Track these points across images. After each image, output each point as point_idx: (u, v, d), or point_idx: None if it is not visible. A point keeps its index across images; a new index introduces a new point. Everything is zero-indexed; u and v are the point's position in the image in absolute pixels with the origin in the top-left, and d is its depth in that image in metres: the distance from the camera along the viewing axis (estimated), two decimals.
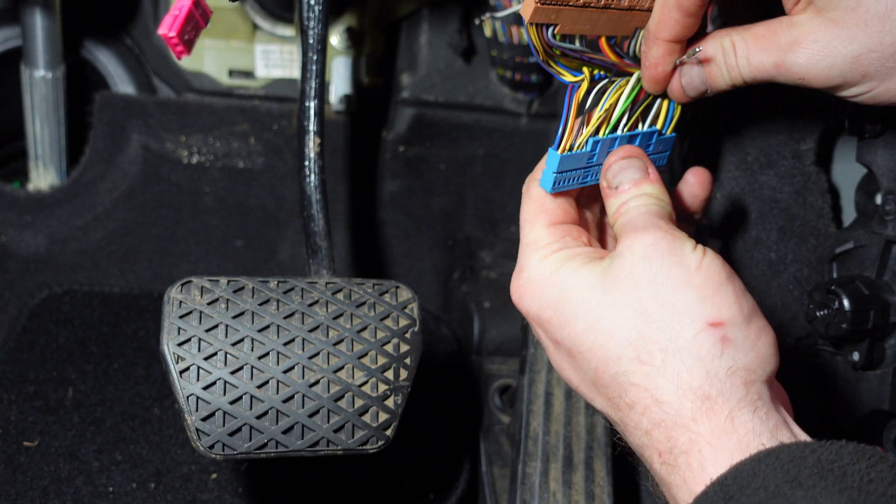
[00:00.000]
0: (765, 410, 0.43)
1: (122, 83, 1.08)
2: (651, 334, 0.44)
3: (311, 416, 0.56)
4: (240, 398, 0.55)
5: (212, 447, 0.54)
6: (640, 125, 0.57)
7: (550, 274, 0.50)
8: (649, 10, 0.53)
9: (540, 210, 0.54)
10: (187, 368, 0.54)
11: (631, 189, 0.51)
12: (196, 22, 0.60)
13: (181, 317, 0.56)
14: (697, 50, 0.52)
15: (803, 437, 0.43)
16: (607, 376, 0.46)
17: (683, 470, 0.42)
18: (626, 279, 0.46)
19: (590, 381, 0.48)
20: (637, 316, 0.45)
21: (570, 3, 0.50)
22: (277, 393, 0.56)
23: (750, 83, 0.51)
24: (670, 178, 0.75)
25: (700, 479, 0.42)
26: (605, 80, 0.55)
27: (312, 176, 0.67)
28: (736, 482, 0.39)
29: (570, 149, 0.54)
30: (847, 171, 0.78)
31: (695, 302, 0.45)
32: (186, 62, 1.05)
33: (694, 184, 0.59)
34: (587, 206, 0.59)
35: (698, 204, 0.60)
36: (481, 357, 0.97)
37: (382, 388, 0.59)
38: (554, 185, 0.54)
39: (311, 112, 0.68)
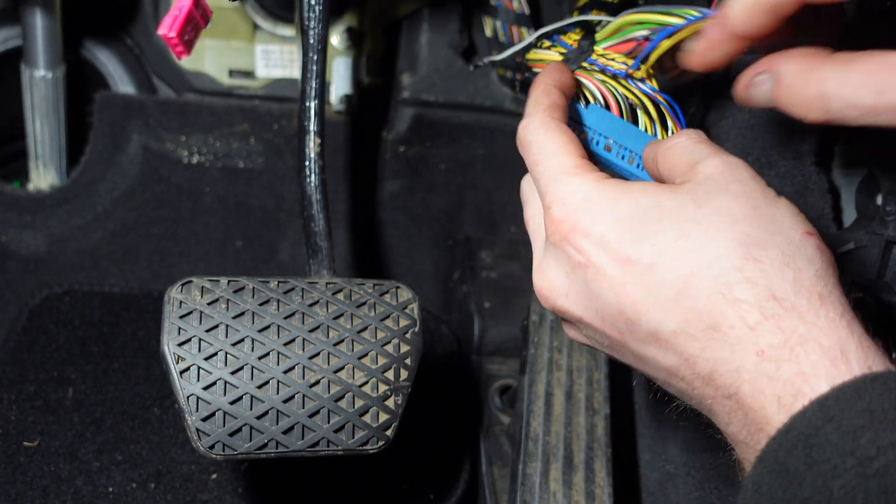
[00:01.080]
0: (854, 315, 0.43)
1: (122, 83, 1.08)
2: (760, 236, 0.44)
3: (311, 416, 0.56)
4: (240, 398, 0.55)
5: (212, 447, 0.54)
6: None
7: (619, 194, 0.47)
8: None
9: (569, 140, 0.51)
10: (188, 368, 0.54)
11: (682, 133, 0.51)
12: (196, 22, 0.60)
13: (181, 317, 0.56)
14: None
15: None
16: (707, 278, 0.43)
17: (801, 360, 0.41)
18: (721, 194, 0.45)
19: (671, 295, 0.44)
20: (741, 222, 0.44)
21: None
22: (278, 393, 0.56)
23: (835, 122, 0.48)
24: None
25: (820, 370, 0.40)
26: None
27: (312, 176, 0.67)
28: (838, 404, 0.38)
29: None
30: (847, 172, 0.78)
31: (788, 215, 0.45)
32: (186, 62, 1.05)
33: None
34: None
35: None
36: (481, 357, 0.97)
37: (383, 388, 0.59)
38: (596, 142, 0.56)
39: (312, 112, 0.68)
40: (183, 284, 0.57)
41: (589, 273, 0.47)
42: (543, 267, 0.51)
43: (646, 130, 0.58)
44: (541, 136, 0.51)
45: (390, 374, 0.59)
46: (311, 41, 0.68)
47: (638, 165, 0.56)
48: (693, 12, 0.51)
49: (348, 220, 1.11)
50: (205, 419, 0.54)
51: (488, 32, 0.99)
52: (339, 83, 1.04)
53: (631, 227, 0.46)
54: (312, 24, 0.68)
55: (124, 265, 1.05)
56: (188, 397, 0.54)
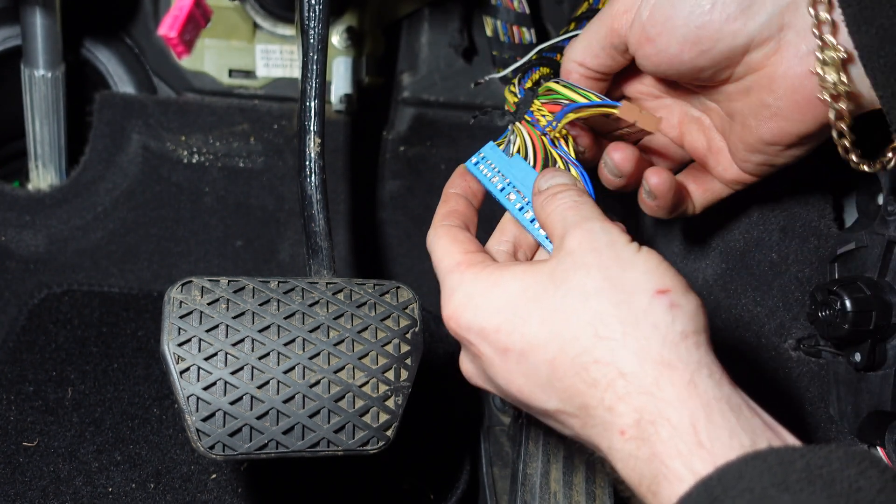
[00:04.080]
0: (718, 374, 0.44)
1: (122, 83, 1.08)
2: (607, 310, 0.46)
3: (311, 416, 0.56)
4: (240, 398, 0.55)
5: (212, 448, 0.54)
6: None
7: (492, 284, 0.51)
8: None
9: (453, 241, 0.56)
10: (187, 369, 0.54)
11: (560, 187, 0.55)
12: (196, 22, 0.60)
13: (181, 317, 0.55)
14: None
15: (752, 403, 0.44)
16: (567, 361, 0.46)
17: (654, 442, 0.42)
18: (577, 269, 0.48)
19: (544, 379, 0.48)
20: (591, 298, 0.47)
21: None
22: (278, 393, 0.55)
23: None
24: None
25: (672, 450, 0.41)
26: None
27: (313, 176, 0.67)
28: (721, 483, 0.39)
29: (506, 152, 0.63)
30: (848, 172, 0.78)
31: (641, 276, 0.47)
32: (186, 62, 1.05)
33: (618, 162, 0.62)
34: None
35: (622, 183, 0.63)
36: None
37: (383, 388, 0.58)
38: (475, 162, 0.63)
39: (312, 112, 0.68)
40: (183, 284, 0.57)
41: (482, 361, 0.52)
42: (462, 355, 0.56)
43: None
44: (432, 244, 0.58)
45: (391, 375, 0.59)
46: (312, 41, 0.68)
47: (532, 220, 0.59)
48: (594, 97, 0.59)
49: (348, 220, 1.11)
50: (205, 419, 0.54)
51: (489, 32, 0.99)
52: (340, 83, 1.04)
53: (503, 317, 0.49)
54: (312, 23, 0.68)
55: (124, 265, 1.05)
56: (188, 397, 0.54)
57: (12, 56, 1.01)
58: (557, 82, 0.61)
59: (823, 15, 0.49)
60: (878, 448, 0.69)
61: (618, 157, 0.61)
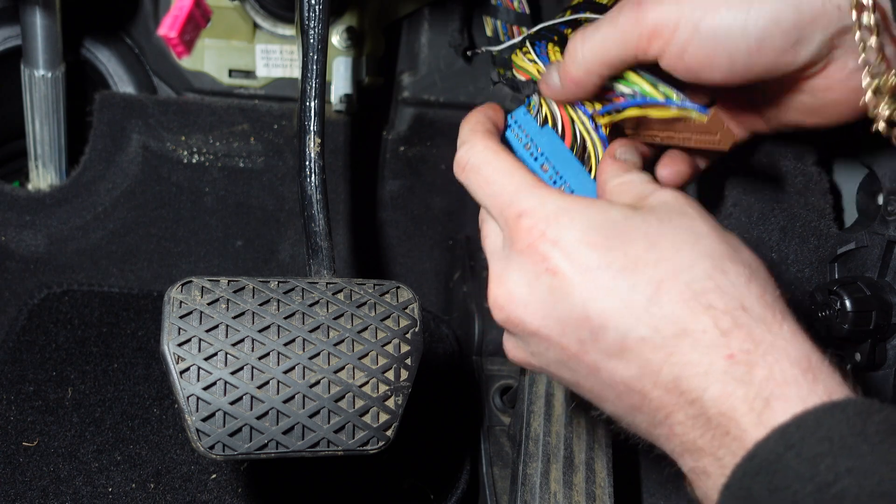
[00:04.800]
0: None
1: (122, 83, 1.07)
2: (726, 252, 0.45)
3: (311, 416, 0.56)
4: (240, 398, 0.55)
5: (212, 448, 0.54)
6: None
7: (586, 205, 0.48)
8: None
9: (521, 163, 0.53)
10: (187, 369, 0.54)
11: (634, 165, 0.55)
12: (196, 22, 0.60)
13: (181, 317, 0.55)
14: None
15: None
16: (678, 285, 0.44)
17: (771, 366, 0.41)
18: (681, 216, 0.47)
19: (642, 300, 0.44)
20: (705, 238, 0.46)
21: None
22: (278, 393, 0.55)
23: None
24: None
25: (789, 378, 0.41)
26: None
27: (313, 176, 0.67)
28: (799, 431, 0.39)
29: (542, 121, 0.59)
30: (849, 172, 0.78)
31: (740, 241, 0.48)
32: (187, 62, 1.05)
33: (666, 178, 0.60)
34: None
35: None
36: (482, 357, 0.97)
37: (383, 388, 0.58)
38: (507, 126, 0.60)
39: (312, 112, 0.68)
40: (183, 284, 0.57)
41: (556, 280, 0.46)
42: (503, 277, 0.50)
43: (589, 172, 0.59)
44: (491, 157, 0.52)
45: (391, 375, 0.59)
46: (312, 41, 0.68)
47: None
48: (674, 96, 0.53)
49: (348, 220, 1.11)
50: (205, 419, 0.54)
51: (489, 32, 0.99)
52: (340, 83, 1.04)
53: (601, 235, 0.46)
54: (312, 23, 0.68)
55: (124, 265, 1.05)
56: (188, 397, 0.54)
57: (12, 56, 1.01)
58: (636, 71, 0.55)
59: (873, 41, 0.48)
60: None
61: (666, 174, 0.59)
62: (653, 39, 0.50)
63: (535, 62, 0.62)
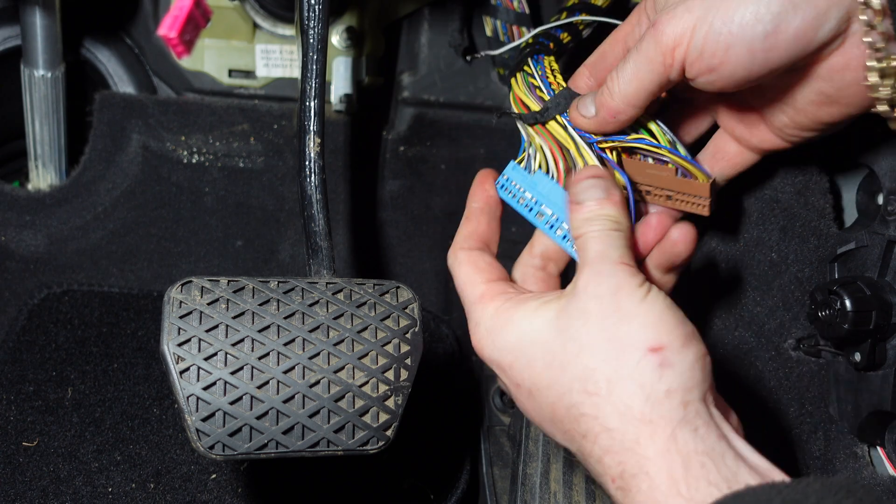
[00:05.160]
0: (705, 429, 0.45)
1: (121, 83, 1.07)
2: (597, 366, 0.48)
3: (311, 416, 0.56)
4: (240, 398, 0.55)
5: (212, 448, 0.54)
6: None
7: (506, 322, 0.53)
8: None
9: (475, 270, 0.58)
10: (187, 369, 0.54)
11: (594, 207, 0.54)
12: (196, 22, 0.60)
13: (181, 317, 0.55)
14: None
15: (746, 449, 0.46)
16: (562, 409, 0.49)
17: (635, 493, 0.45)
18: (577, 317, 0.49)
19: (549, 417, 0.51)
20: (584, 351, 0.48)
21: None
22: (278, 393, 0.55)
23: None
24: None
25: (651, 501, 0.44)
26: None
27: (313, 176, 0.67)
28: None
29: (528, 169, 0.61)
30: (848, 172, 0.78)
31: (637, 330, 0.48)
32: (186, 62, 1.05)
33: (676, 242, 0.59)
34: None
35: (677, 262, 0.60)
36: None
37: (383, 388, 0.58)
38: (500, 186, 0.62)
39: (312, 112, 0.68)
40: (183, 284, 0.57)
41: (507, 388, 0.56)
42: None
43: None
44: (455, 269, 0.60)
45: (390, 374, 0.59)
46: (311, 41, 0.68)
47: (564, 237, 0.59)
48: (682, 150, 0.57)
49: (348, 220, 1.11)
50: (204, 419, 0.54)
51: (488, 32, 0.99)
52: (339, 83, 1.04)
53: (514, 356, 0.52)
54: (312, 23, 0.68)
55: (124, 265, 1.05)
56: (188, 397, 0.54)
57: (12, 56, 1.01)
58: (652, 120, 0.58)
59: (880, 23, 0.48)
60: (878, 448, 0.69)
61: (677, 235, 0.59)
62: (675, 50, 0.51)
63: (538, 86, 0.62)
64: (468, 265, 0.59)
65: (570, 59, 0.79)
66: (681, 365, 0.47)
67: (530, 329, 0.52)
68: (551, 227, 0.60)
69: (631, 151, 0.59)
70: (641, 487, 0.44)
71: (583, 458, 0.50)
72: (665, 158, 0.57)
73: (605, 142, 0.58)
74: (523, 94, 0.63)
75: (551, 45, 0.70)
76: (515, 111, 0.63)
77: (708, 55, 0.50)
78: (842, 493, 0.39)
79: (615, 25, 0.64)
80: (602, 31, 0.76)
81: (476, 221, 0.62)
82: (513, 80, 0.65)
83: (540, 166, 0.61)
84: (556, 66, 0.65)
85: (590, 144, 0.58)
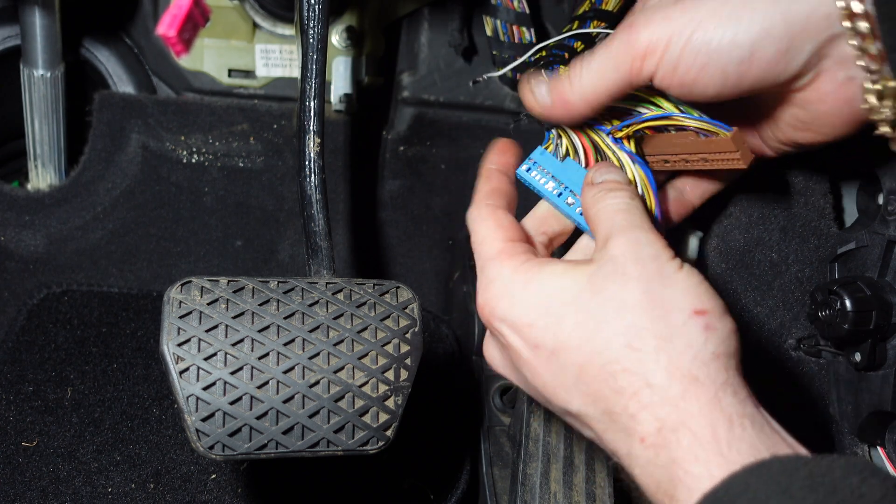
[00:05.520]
0: (744, 394, 0.45)
1: (121, 83, 1.07)
2: (643, 324, 0.46)
3: (311, 416, 0.56)
4: (240, 399, 0.55)
5: (212, 448, 0.54)
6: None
7: (530, 279, 0.51)
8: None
9: (497, 226, 0.56)
10: (187, 369, 0.54)
11: (614, 184, 0.54)
12: (195, 21, 0.60)
13: (181, 317, 0.55)
14: None
15: (776, 424, 0.45)
16: (595, 367, 0.47)
17: (673, 447, 0.43)
18: (616, 278, 0.48)
19: (572, 380, 0.48)
20: (628, 309, 0.47)
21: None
22: (277, 393, 0.55)
23: None
24: None
25: (691, 457, 0.43)
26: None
27: (312, 176, 0.67)
28: (728, 494, 0.40)
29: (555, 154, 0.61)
30: (849, 172, 0.78)
31: (681, 294, 0.47)
32: (186, 61, 1.05)
33: (689, 192, 0.61)
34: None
35: (685, 211, 0.62)
36: (482, 358, 0.97)
37: (383, 388, 0.58)
38: (527, 169, 0.61)
39: (312, 112, 0.68)
40: (182, 284, 0.57)
41: (511, 353, 0.53)
42: (486, 340, 0.57)
43: None
44: (476, 224, 0.57)
45: (390, 375, 0.59)
46: (311, 40, 0.68)
47: None
48: (692, 111, 0.54)
49: (348, 220, 1.11)
50: (204, 419, 0.54)
51: (488, 31, 0.99)
52: (339, 83, 1.04)
53: (538, 314, 0.50)
54: (312, 23, 0.68)
55: (123, 265, 1.05)
56: (187, 397, 0.54)
57: (12, 56, 1.01)
58: (660, 94, 0.57)
59: (871, 47, 0.48)
60: (879, 448, 0.69)
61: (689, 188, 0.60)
62: (646, 58, 0.51)
63: None
64: (491, 220, 0.56)
65: None
66: (723, 331, 0.47)
67: (559, 287, 0.50)
68: (581, 212, 0.59)
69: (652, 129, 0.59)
70: (682, 442, 0.43)
71: (602, 424, 0.47)
72: (680, 126, 0.56)
73: (619, 130, 0.57)
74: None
75: (566, 55, 0.70)
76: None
77: (682, 71, 0.50)
78: (867, 471, 0.39)
79: None
80: None
81: (498, 179, 0.60)
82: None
83: (567, 153, 0.60)
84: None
85: (604, 135, 0.58)
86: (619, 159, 0.58)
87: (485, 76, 0.85)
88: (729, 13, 0.49)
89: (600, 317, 0.47)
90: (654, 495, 0.45)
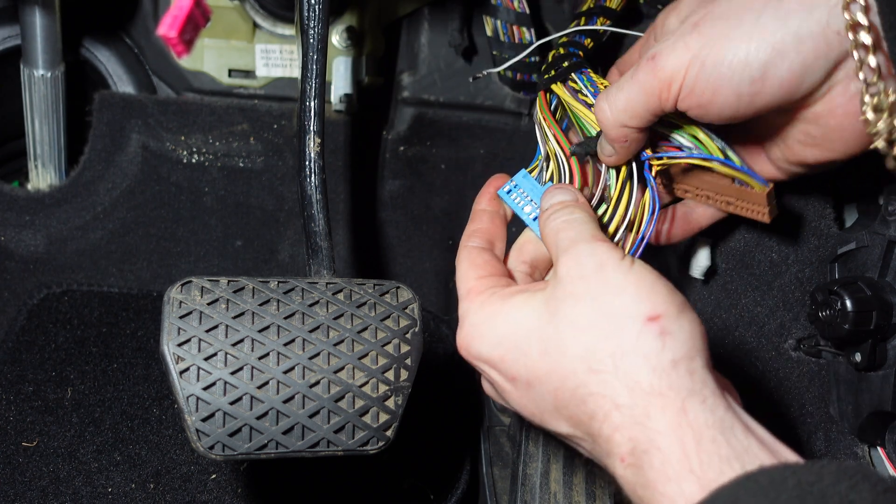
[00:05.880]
0: (713, 399, 0.45)
1: (121, 83, 1.07)
2: (598, 344, 0.47)
3: (311, 416, 0.56)
4: (240, 399, 0.55)
5: (212, 448, 0.54)
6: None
7: (494, 314, 0.52)
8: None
9: (470, 266, 0.57)
10: (187, 369, 0.54)
11: (556, 205, 0.55)
12: (196, 21, 0.60)
13: (181, 317, 0.55)
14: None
15: (751, 422, 0.45)
16: (567, 393, 0.48)
17: (646, 469, 0.43)
18: (566, 299, 0.49)
19: (551, 407, 0.49)
20: (582, 331, 0.47)
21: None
22: (278, 393, 0.55)
23: None
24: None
25: (663, 477, 0.43)
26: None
27: (312, 176, 0.67)
28: None
29: (537, 179, 0.62)
30: (849, 172, 0.78)
31: (631, 302, 0.47)
32: (186, 61, 1.05)
33: (699, 214, 0.63)
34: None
35: (690, 230, 0.63)
36: None
37: (383, 388, 0.58)
38: (507, 191, 0.62)
39: (312, 112, 0.68)
40: (182, 284, 0.57)
41: (495, 386, 0.54)
42: (481, 375, 0.58)
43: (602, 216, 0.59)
44: (456, 266, 0.59)
45: (390, 375, 0.59)
46: (311, 40, 0.68)
47: None
48: (736, 159, 0.55)
49: (348, 220, 1.11)
50: (204, 419, 0.54)
51: (488, 32, 0.99)
52: (339, 83, 1.04)
53: (506, 348, 0.51)
54: (312, 23, 0.68)
55: (123, 265, 1.05)
56: (188, 398, 0.54)
57: (12, 56, 1.01)
58: (699, 126, 0.57)
59: (871, 59, 0.48)
60: (879, 448, 0.69)
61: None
62: (671, 85, 0.52)
63: (586, 97, 0.62)
64: (466, 261, 0.58)
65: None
66: (680, 332, 0.46)
67: (520, 318, 0.51)
68: None
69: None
70: (653, 463, 0.43)
71: (591, 444, 0.48)
72: (721, 172, 0.56)
73: (657, 159, 0.57)
74: (578, 111, 0.61)
75: (580, 53, 0.70)
76: (546, 126, 0.62)
77: (698, 93, 0.51)
78: (857, 476, 0.39)
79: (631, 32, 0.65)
80: (618, 35, 0.76)
81: (480, 220, 0.62)
82: (558, 91, 0.64)
83: (551, 177, 0.61)
84: (604, 80, 0.64)
85: (640, 161, 0.58)
86: (620, 183, 0.58)
87: (484, 72, 0.85)
88: (741, 34, 0.49)
89: (560, 343, 0.48)
90: None
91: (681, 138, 0.57)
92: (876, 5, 0.47)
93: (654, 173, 0.58)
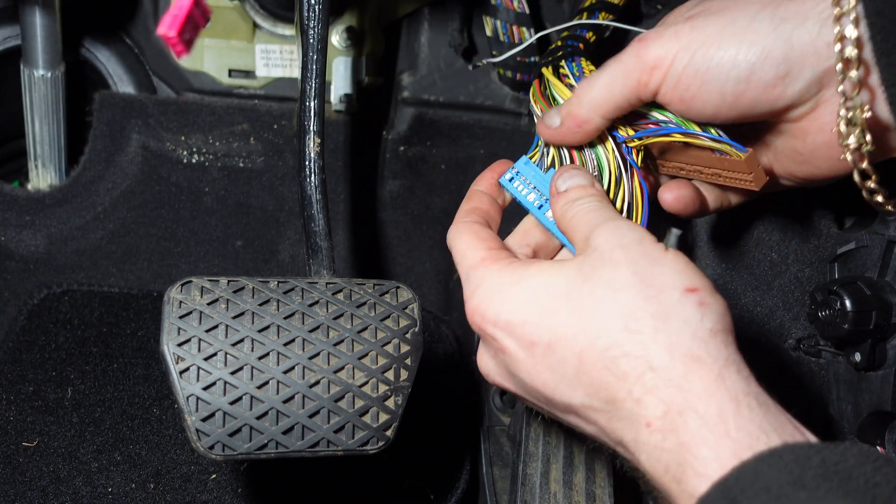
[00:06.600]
0: (746, 372, 0.45)
1: (121, 83, 1.07)
2: (638, 304, 0.46)
3: (311, 416, 0.56)
4: (240, 399, 0.55)
5: (212, 448, 0.54)
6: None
7: (517, 279, 0.51)
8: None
9: (476, 238, 0.56)
10: (187, 369, 0.54)
11: (580, 190, 0.54)
12: (196, 21, 0.60)
13: (181, 317, 0.55)
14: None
15: (774, 402, 0.45)
16: (594, 354, 0.46)
17: (681, 432, 0.43)
18: (604, 264, 0.48)
19: (572, 371, 0.47)
20: (621, 292, 0.47)
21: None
22: (278, 393, 0.55)
23: None
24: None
25: (699, 439, 0.42)
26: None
27: (312, 176, 0.67)
28: (738, 483, 0.39)
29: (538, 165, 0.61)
30: (849, 171, 0.78)
31: (671, 273, 0.47)
32: (186, 61, 1.05)
33: (671, 203, 0.61)
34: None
35: (696, 208, 0.62)
36: None
37: (383, 388, 0.58)
38: (509, 178, 0.61)
39: (312, 112, 0.68)
40: (182, 284, 0.57)
41: (506, 357, 0.51)
42: (480, 351, 0.56)
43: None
44: (455, 240, 0.57)
45: (390, 375, 0.59)
46: (311, 41, 0.68)
47: None
48: (713, 130, 0.54)
49: (348, 220, 1.11)
50: (204, 419, 0.54)
51: (488, 32, 0.99)
52: (339, 83, 1.04)
53: (530, 311, 0.49)
54: (312, 23, 0.68)
55: (124, 265, 1.05)
56: (188, 397, 0.54)
57: (12, 56, 1.01)
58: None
59: (853, 73, 0.48)
60: (879, 448, 0.69)
61: (669, 199, 0.60)
62: (653, 72, 0.52)
63: (571, 82, 0.61)
64: (469, 234, 0.56)
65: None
66: (716, 306, 0.46)
67: (548, 282, 0.49)
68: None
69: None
70: (689, 425, 0.42)
71: (608, 413, 0.46)
72: (697, 143, 0.56)
73: (634, 139, 0.57)
74: (560, 91, 0.61)
75: (581, 45, 0.69)
76: (537, 110, 0.62)
77: (682, 87, 0.51)
78: (880, 460, 0.39)
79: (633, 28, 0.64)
80: (620, 32, 0.76)
81: (478, 199, 0.61)
82: (546, 74, 0.63)
83: (553, 163, 0.60)
84: (592, 67, 0.63)
85: (619, 144, 0.57)
86: (615, 171, 0.58)
87: (484, 61, 0.84)
88: (733, 34, 0.49)
89: (594, 302, 0.47)
90: (661, 479, 0.44)
91: (656, 115, 0.56)
92: (866, 20, 0.47)
93: (636, 155, 0.57)
